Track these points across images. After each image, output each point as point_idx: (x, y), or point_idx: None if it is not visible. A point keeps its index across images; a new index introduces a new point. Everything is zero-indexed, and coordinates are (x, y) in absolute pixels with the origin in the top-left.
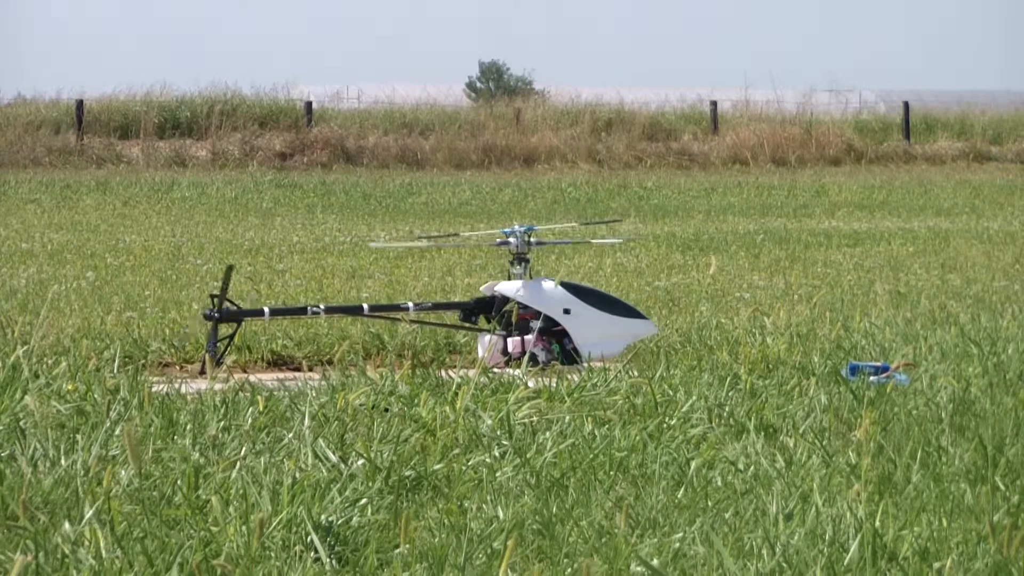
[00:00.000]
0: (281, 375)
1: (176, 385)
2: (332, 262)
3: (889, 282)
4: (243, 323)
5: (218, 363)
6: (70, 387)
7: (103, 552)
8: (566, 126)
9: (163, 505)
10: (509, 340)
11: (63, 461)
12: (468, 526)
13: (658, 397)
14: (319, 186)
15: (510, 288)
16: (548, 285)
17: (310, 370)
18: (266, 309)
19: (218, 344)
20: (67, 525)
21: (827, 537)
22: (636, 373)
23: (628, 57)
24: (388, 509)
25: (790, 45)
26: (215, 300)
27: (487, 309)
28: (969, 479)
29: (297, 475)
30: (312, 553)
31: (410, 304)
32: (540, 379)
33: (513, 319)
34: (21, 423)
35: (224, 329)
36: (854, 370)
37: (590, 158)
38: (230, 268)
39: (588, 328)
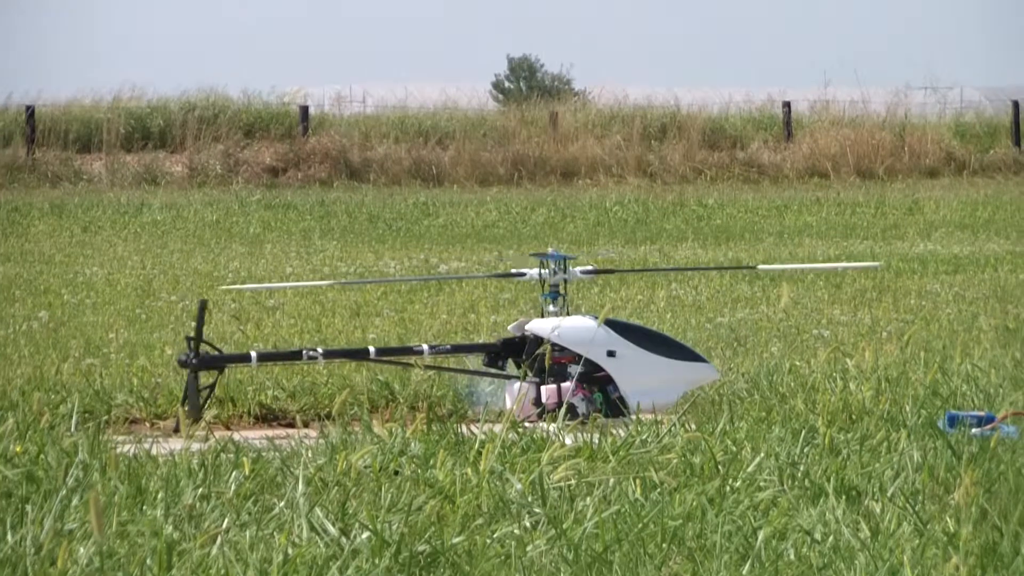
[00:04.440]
0: (271, 432)
1: (146, 445)
2: (333, 297)
3: (996, 316)
4: (226, 370)
5: (196, 419)
6: (18, 448)
7: None
8: (611, 133)
9: None
10: (543, 388)
11: (9, 537)
12: None
13: (719, 455)
14: (317, 207)
15: (544, 327)
16: (589, 323)
17: (305, 426)
18: (253, 353)
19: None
20: None
21: None
22: (693, 426)
23: (684, 51)
24: None
25: (878, 36)
26: (191, 343)
27: (517, 352)
28: None
29: (290, 551)
30: None
31: (425, 347)
32: (579, 435)
33: (547, 363)
34: None
35: (204, 378)
36: (953, 421)
37: (640, 171)
38: (203, 304)
39: (637, 373)
